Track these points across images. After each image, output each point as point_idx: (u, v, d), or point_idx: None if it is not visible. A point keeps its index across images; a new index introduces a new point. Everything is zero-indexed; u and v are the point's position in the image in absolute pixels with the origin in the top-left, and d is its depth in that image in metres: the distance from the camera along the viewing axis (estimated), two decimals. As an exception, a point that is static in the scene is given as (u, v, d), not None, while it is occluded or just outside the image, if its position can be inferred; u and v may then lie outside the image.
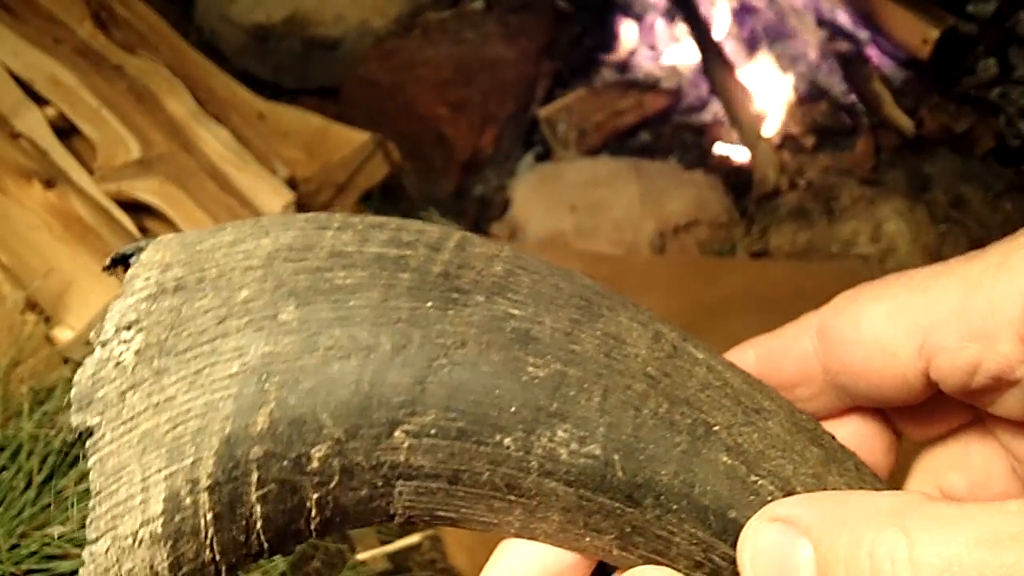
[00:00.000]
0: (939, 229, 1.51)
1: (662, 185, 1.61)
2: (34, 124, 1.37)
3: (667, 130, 1.76)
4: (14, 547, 0.90)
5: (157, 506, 0.24)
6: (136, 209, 1.33)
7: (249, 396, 0.25)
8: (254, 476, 0.25)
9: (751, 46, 1.80)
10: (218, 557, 0.25)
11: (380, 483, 0.25)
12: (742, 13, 1.83)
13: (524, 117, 1.75)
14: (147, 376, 0.25)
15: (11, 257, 1.22)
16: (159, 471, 0.24)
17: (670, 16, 1.84)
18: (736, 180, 1.65)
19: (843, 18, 1.81)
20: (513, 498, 0.26)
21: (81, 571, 0.25)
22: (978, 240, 1.48)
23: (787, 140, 1.70)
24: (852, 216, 1.54)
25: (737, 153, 1.69)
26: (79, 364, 0.26)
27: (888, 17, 1.76)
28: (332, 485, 0.25)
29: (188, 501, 0.24)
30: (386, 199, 1.64)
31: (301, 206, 1.43)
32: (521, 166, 1.73)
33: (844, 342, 0.28)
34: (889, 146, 1.68)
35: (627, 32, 1.85)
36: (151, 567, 0.25)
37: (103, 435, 0.25)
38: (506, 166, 1.72)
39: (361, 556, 1.10)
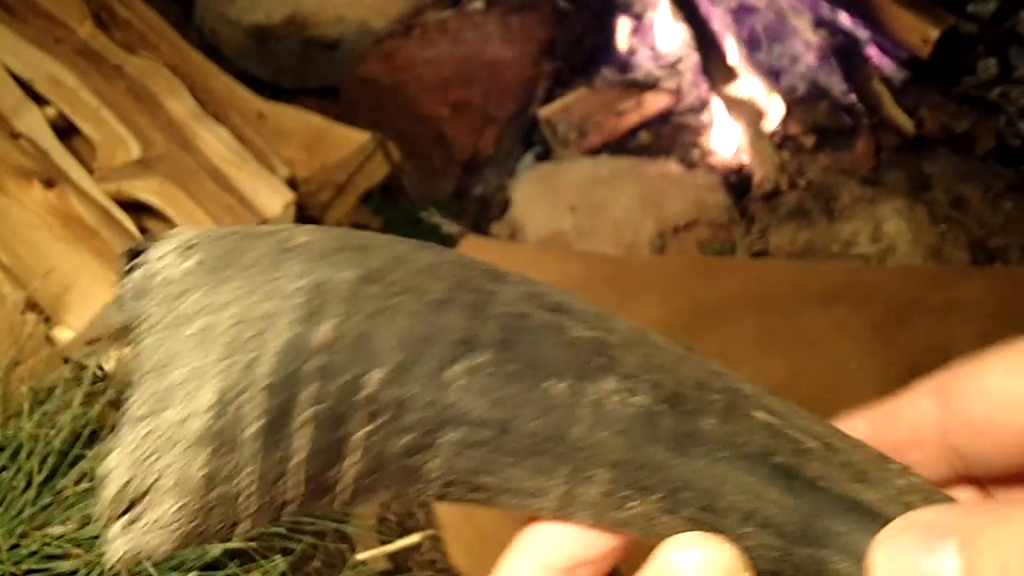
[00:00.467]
0: (939, 229, 1.51)
1: (662, 185, 1.61)
2: (34, 124, 1.37)
3: (667, 130, 1.76)
4: (14, 547, 0.90)
5: (209, 397, 0.24)
6: (136, 209, 1.33)
7: (313, 308, 0.24)
8: (309, 390, 0.24)
9: (751, 46, 1.80)
10: (250, 489, 0.24)
11: (428, 427, 0.25)
12: (742, 13, 1.83)
13: (524, 117, 1.75)
14: (208, 281, 0.24)
15: (11, 257, 1.22)
16: (216, 362, 0.24)
17: (670, 16, 1.84)
18: (736, 180, 1.65)
19: (843, 18, 1.81)
20: (561, 451, 0.25)
21: (114, 454, 0.24)
22: (978, 240, 1.48)
23: (787, 140, 1.70)
24: (852, 216, 1.54)
25: (737, 153, 1.69)
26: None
27: (888, 17, 1.76)
28: (381, 420, 0.24)
29: (241, 399, 0.24)
30: (386, 199, 1.64)
31: (301, 206, 1.43)
32: (521, 166, 1.73)
33: (966, 395, 0.27)
34: (889, 146, 1.68)
35: (627, 32, 1.86)
36: (185, 472, 0.24)
37: (157, 322, 0.24)
38: (506, 166, 1.72)
39: (361, 556, 1.10)
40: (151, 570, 0.87)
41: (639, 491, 0.26)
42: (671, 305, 1.34)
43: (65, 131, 1.40)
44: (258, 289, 0.24)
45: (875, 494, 0.26)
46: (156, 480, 0.24)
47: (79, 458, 0.97)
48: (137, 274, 0.25)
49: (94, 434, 1.00)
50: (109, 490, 0.24)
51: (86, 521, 0.92)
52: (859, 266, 1.45)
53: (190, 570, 0.91)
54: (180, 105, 1.47)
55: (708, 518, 0.26)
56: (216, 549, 0.92)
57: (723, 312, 1.31)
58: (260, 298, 0.24)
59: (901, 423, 0.29)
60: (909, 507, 0.26)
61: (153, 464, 0.24)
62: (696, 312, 1.31)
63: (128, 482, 0.24)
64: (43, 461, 0.95)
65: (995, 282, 1.37)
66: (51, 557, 0.90)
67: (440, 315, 0.25)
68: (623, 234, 1.55)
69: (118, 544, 0.24)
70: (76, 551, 0.90)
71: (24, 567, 0.89)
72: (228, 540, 0.25)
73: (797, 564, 0.26)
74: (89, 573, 0.88)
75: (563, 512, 0.26)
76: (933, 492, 0.27)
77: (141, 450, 0.24)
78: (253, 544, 0.95)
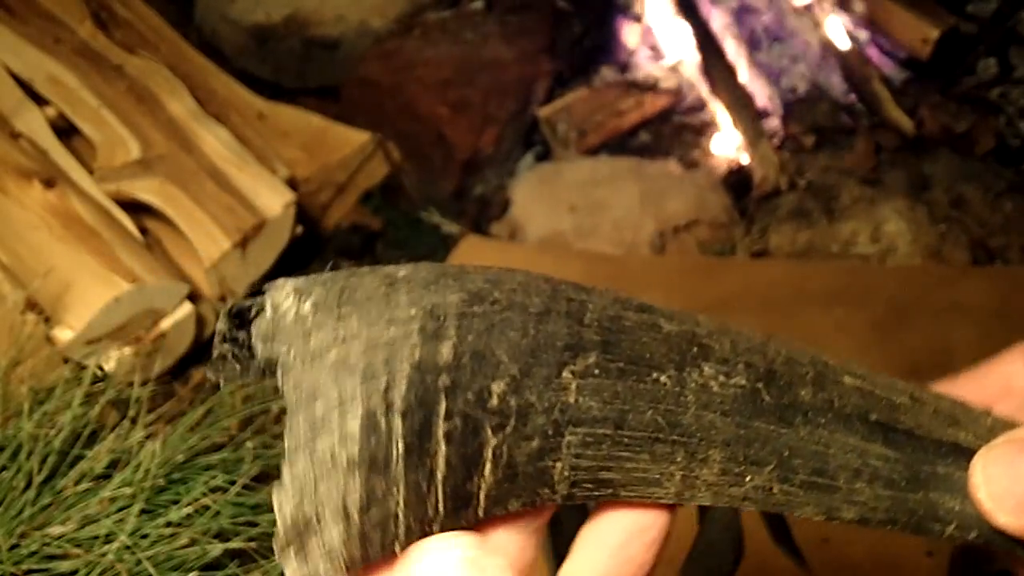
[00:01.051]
0: (939, 229, 1.51)
1: (662, 185, 1.61)
2: (34, 124, 1.37)
3: (667, 130, 1.76)
4: (14, 547, 0.90)
5: (354, 423, 0.25)
6: (136, 209, 1.33)
7: (432, 330, 0.26)
8: (442, 406, 0.25)
9: (751, 46, 1.80)
10: (402, 508, 0.25)
11: (551, 431, 0.26)
12: (742, 13, 1.83)
13: (524, 117, 1.75)
14: (329, 319, 0.26)
15: (11, 257, 1.22)
16: (355, 389, 0.25)
17: (670, 16, 1.84)
18: (736, 180, 1.65)
19: (843, 18, 1.81)
20: (676, 438, 0.27)
21: (276, 492, 0.25)
22: (978, 240, 1.48)
23: (787, 140, 1.70)
24: (852, 216, 1.54)
25: (737, 153, 1.69)
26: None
27: (888, 17, 1.76)
28: (508, 429, 0.26)
29: (383, 423, 0.25)
30: (386, 199, 1.64)
31: (301, 206, 1.43)
32: (521, 166, 1.73)
33: None
34: (889, 146, 1.68)
35: (627, 32, 1.85)
36: (343, 498, 0.25)
37: (294, 359, 0.26)
38: (506, 166, 1.72)
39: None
40: (151, 570, 0.87)
41: (752, 465, 0.27)
42: (671, 305, 1.33)
43: (65, 131, 1.40)
44: (379, 319, 0.26)
45: (969, 435, 0.29)
46: (321, 507, 0.25)
47: (79, 458, 0.97)
48: (263, 321, 0.26)
49: (94, 434, 1.00)
50: (281, 520, 0.25)
51: (86, 521, 0.91)
52: (859, 266, 1.45)
53: (190, 570, 0.91)
54: (180, 105, 1.47)
55: (820, 481, 0.28)
56: (216, 549, 0.92)
57: (723, 312, 1.31)
58: (382, 326, 0.26)
59: (991, 380, 0.31)
60: None
61: (316, 492, 0.25)
62: (696, 312, 1.31)
63: (297, 511, 0.25)
64: (43, 461, 0.95)
65: (995, 282, 1.37)
66: (51, 557, 0.90)
67: (544, 325, 0.26)
68: (623, 234, 1.55)
69: (293, 572, 0.26)
70: (76, 551, 0.89)
71: (24, 567, 0.89)
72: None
73: (910, 510, 0.28)
74: (89, 573, 0.88)
75: (684, 496, 0.28)
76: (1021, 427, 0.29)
77: (303, 480, 0.25)
78: (253, 544, 0.95)
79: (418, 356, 0.25)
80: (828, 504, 0.28)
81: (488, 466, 0.26)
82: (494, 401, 0.26)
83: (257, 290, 0.27)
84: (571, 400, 0.26)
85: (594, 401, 0.26)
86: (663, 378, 0.27)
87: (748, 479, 0.27)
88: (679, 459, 0.27)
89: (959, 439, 0.29)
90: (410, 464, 0.25)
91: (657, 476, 0.27)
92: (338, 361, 0.25)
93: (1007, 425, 0.29)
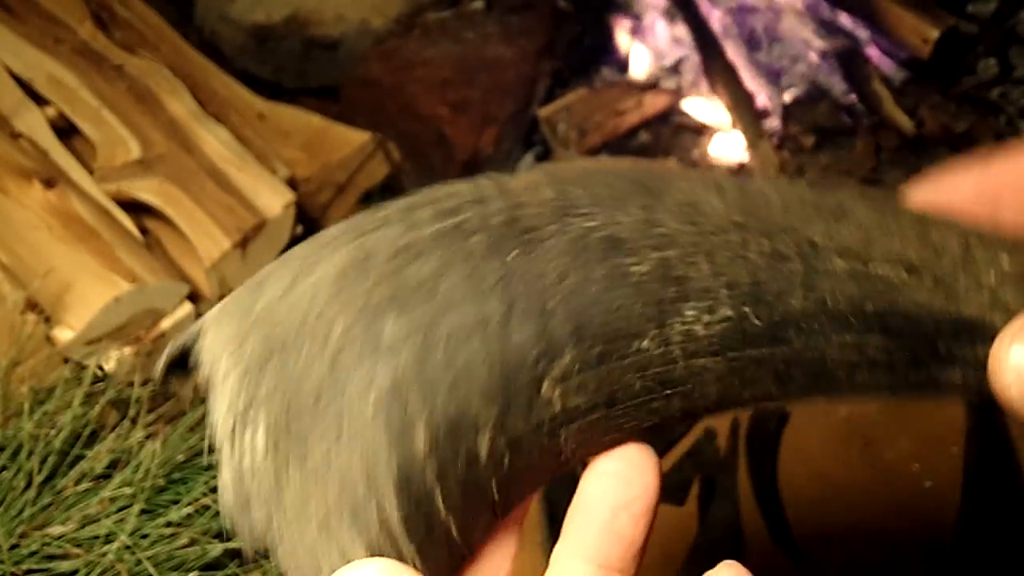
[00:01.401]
0: (939, 229, 1.51)
1: (662, 185, 1.61)
2: (34, 124, 1.37)
3: (667, 130, 1.76)
4: (14, 547, 0.90)
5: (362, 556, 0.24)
6: (136, 209, 1.33)
7: (398, 421, 0.24)
8: (438, 494, 0.24)
9: (751, 46, 1.80)
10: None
11: (546, 440, 0.25)
12: (742, 13, 1.83)
13: (524, 117, 1.75)
14: (290, 446, 0.24)
15: (11, 257, 1.22)
16: (352, 538, 0.24)
17: (670, 16, 1.84)
18: (736, 180, 1.65)
19: (843, 18, 1.81)
20: (669, 391, 0.26)
21: None
22: (978, 240, 1.48)
23: (787, 140, 1.70)
24: (852, 216, 1.54)
25: (737, 153, 1.69)
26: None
27: (888, 17, 1.76)
28: (506, 465, 0.25)
29: (389, 544, 0.24)
30: (386, 199, 1.64)
31: (301, 206, 1.43)
32: (521, 166, 1.73)
33: None
34: (889, 146, 1.68)
35: (627, 32, 1.85)
36: None
37: (277, 525, 0.24)
38: (506, 166, 1.72)
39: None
40: (151, 570, 0.87)
41: (750, 384, 0.27)
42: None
43: (65, 131, 1.40)
44: (340, 431, 0.24)
45: (971, 307, 0.27)
46: None
47: (79, 458, 0.97)
48: (228, 484, 0.24)
49: (94, 434, 1.00)
50: None
51: (86, 521, 0.91)
52: (859, 266, 1.45)
53: (190, 570, 0.91)
54: (180, 105, 1.47)
55: (819, 383, 0.27)
56: (216, 549, 0.92)
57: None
58: (346, 442, 0.24)
59: (1005, 172, 0.30)
60: (1006, 306, 0.27)
61: None
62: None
63: None
64: (43, 461, 0.95)
65: (995, 282, 1.37)
66: (51, 557, 0.90)
67: (508, 338, 0.25)
68: (623, 234, 1.55)
69: None
70: (76, 551, 0.89)
71: (24, 567, 0.89)
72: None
73: (913, 385, 0.27)
74: (89, 573, 0.88)
75: (690, 419, 0.27)
76: (1021, 278, 0.28)
77: None
78: (253, 544, 0.94)
79: (396, 463, 0.24)
80: (828, 393, 0.28)
81: (496, 497, 0.25)
82: (483, 455, 0.24)
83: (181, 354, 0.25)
84: (557, 409, 0.25)
85: (581, 399, 0.25)
86: (645, 343, 0.25)
87: (746, 393, 0.27)
88: (676, 404, 0.26)
89: (962, 313, 0.27)
90: (427, 556, 0.25)
91: (659, 421, 0.27)
92: (319, 504, 0.24)
93: (1008, 279, 0.28)
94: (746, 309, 0.26)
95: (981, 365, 0.27)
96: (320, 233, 0.28)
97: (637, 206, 0.26)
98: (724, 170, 1.39)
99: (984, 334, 0.27)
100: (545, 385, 0.25)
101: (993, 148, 0.31)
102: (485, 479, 0.25)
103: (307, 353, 0.24)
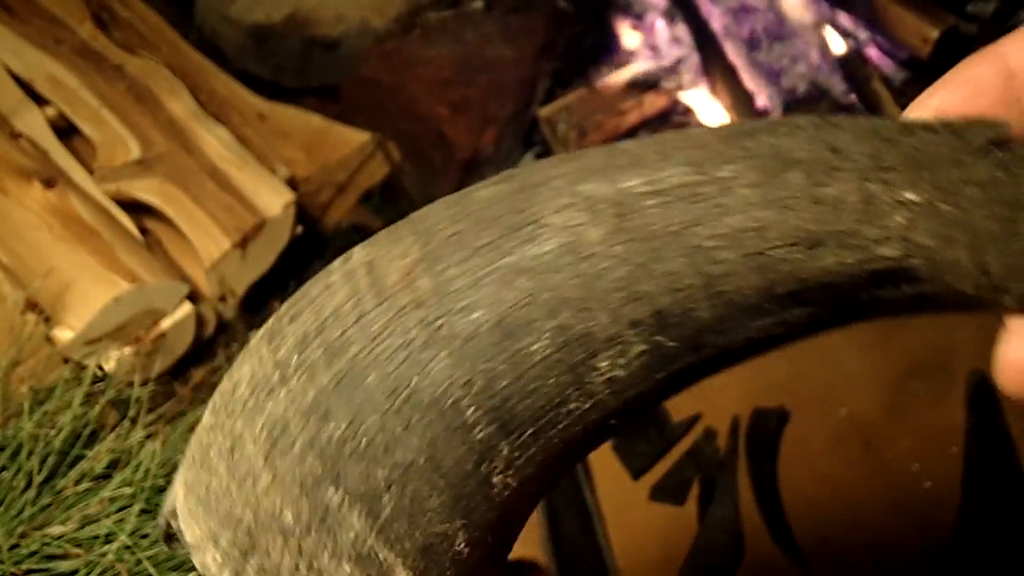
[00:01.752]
0: (939, 229, 1.51)
1: (662, 185, 1.61)
2: (34, 124, 1.37)
3: (667, 130, 1.76)
4: (14, 547, 0.90)
5: None
6: (136, 209, 1.33)
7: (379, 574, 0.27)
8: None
9: (751, 46, 1.80)
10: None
11: (514, 502, 0.28)
12: (742, 13, 1.83)
13: (524, 117, 1.75)
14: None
15: (11, 257, 1.22)
16: None
17: (670, 16, 1.84)
18: (736, 180, 1.65)
19: (843, 18, 1.81)
20: (613, 419, 0.28)
21: None
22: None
23: (787, 140, 1.70)
24: (852, 216, 1.54)
25: (737, 153, 1.69)
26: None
27: (888, 17, 1.76)
28: (489, 541, 0.28)
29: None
30: (386, 199, 1.64)
31: (301, 206, 1.43)
32: (521, 166, 1.73)
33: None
34: (889, 146, 1.68)
35: (627, 32, 1.86)
36: None
37: None
38: (506, 166, 1.72)
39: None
40: (151, 570, 0.87)
41: (684, 383, 0.28)
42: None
43: (65, 131, 1.40)
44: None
45: (886, 258, 0.26)
46: None
47: (79, 458, 0.97)
48: None
49: (94, 434, 1.00)
50: None
51: (86, 521, 0.91)
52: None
53: (190, 570, 0.91)
54: (180, 105, 1.47)
55: (751, 355, 0.27)
56: (216, 549, 0.92)
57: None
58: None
59: (968, 81, 0.31)
60: (920, 247, 0.26)
61: None
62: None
63: None
64: (43, 461, 0.95)
65: (995, 282, 1.37)
66: (51, 557, 0.90)
67: (443, 458, 0.26)
68: (623, 234, 1.55)
69: None
70: (76, 551, 0.89)
71: (24, 567, 0.89)
72: None
73: (846, 323, 0.28)
74: (89, 573, 0.88)
75: None
76: (930, 208, 0.26)
77: None
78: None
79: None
80: (763, 353, 0.29)
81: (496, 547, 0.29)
82: (467, 551, 0.26)
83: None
84: (514, 485, 0.26)
85: (530, 468, 0.27)
86: (572, 405, 0.26)
87: (684, 384, 0.28)
88: (621, 421, 0.28)
89: (875, 266, 0.26)
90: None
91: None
92: None
93: (925, 212, 0.27)
94: (658, 338, 0.25)
95: (908, 297, 0.27)
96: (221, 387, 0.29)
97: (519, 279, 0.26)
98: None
99: (906, 276, 0.26)
100: (496, 479, 0.26)
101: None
102: (479, 561, 0.27)
103: (275, 551, 0.27)
